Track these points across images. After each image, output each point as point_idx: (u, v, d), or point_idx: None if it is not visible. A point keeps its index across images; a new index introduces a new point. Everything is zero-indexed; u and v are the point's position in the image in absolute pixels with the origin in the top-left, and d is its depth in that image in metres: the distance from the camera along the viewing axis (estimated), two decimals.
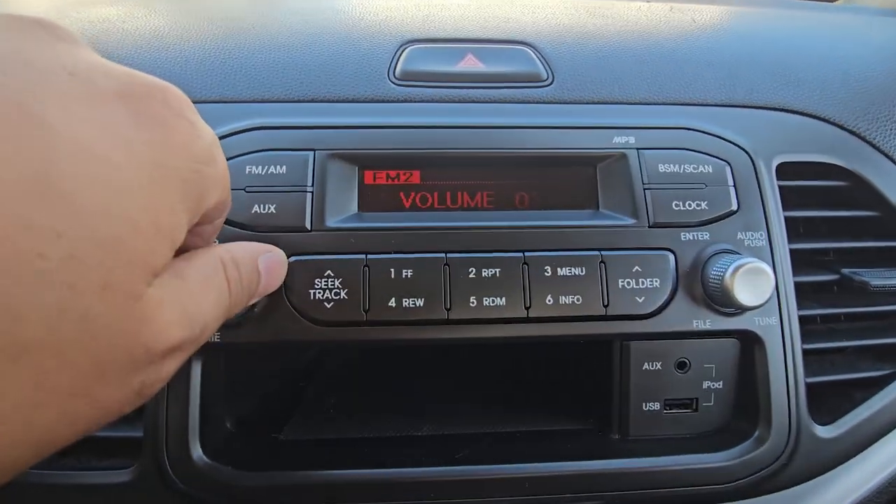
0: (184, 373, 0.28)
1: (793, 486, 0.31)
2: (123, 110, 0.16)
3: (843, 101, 0.37)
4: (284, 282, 0.28)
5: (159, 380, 0.16)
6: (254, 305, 0.28)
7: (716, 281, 0.29)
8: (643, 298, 0.30)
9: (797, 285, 0.32)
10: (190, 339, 0.17)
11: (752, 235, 0.31)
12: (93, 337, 0.13)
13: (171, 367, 0.16)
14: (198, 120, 0.18)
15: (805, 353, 0.32)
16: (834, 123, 0.36)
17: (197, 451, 0.28)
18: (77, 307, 0.13)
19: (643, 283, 0.30)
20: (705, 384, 0.31)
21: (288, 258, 0.29)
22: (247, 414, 0.33)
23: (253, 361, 0.34)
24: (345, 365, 0.42)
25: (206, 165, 0.18)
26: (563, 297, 0.29)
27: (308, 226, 0.29)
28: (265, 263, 0.23)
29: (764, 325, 0.30)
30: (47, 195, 0.13)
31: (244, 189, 0.30)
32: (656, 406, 0.31)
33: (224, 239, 0.26)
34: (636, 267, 0.30)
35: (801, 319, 0.32)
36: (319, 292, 0.28)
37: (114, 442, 0.29)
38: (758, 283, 0.28)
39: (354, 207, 0.31)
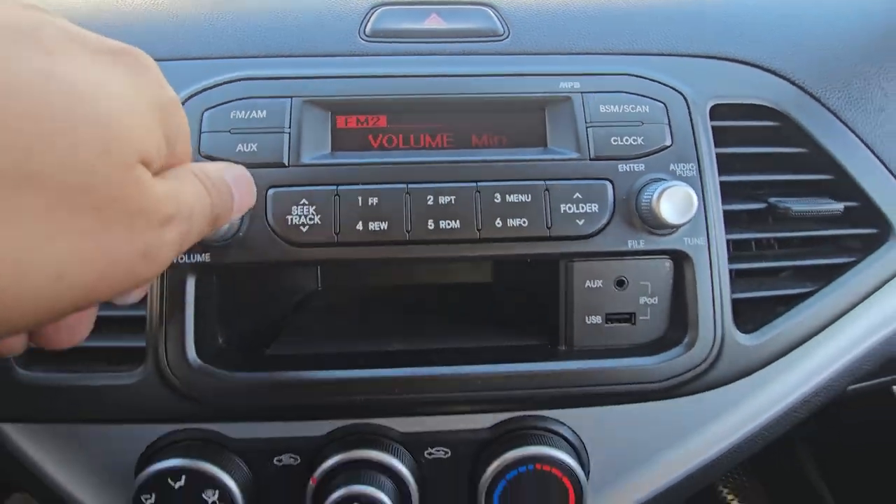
0: (179, 288, 0.32)
1: (718, 386, 0.35)
2: (108, 58, 0.19)
3: (777, 48, 0.40)
4: (265, 208, 0.32)
5: (163, 246, 0.20)
6: (238, 230, 0.32)
7: (646, 203, 0.33)
8: (583, 221, 0.34)
9: (730, 213, 0.36)
10: (181, 216, 0.21)
11: (684, 167, 0.35)
12: (94, 188, 0.17)
13: (169, 236, 0.20)
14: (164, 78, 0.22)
15: (734, 272, 0.35)
16: (766, 69, 0.39)
17: (193, 356, 0.32)
18: (78, 162, 0.17)
19: (583, 207, 0.34)
20: (642, 300, 0.35)
21: (267, 190, 0.33)
22: (237, 334, 0.37)
23: (243, 287, 0.38)
24: (326, 299, 0.47)
25: (177, 108, 0.22)
26: (511, 220, 0.33)
27: (286, 161, 0.33)
28: (231, 174, 0.27)
29: (693, 244, 0.34)
30: (50, 86, 0.16)
31: (229, 131, 0.34)
32: (598, 319, 0.35)
33: None
34: (577, 194, 0.34)
35: (733, 243, 0.36)
36: (296, 218, 0.33)
37: (119, 351, 0.33)
38: (681, 202, 0.32)
39: (328, 148, 0.35)
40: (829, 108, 0.39)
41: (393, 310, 0.44)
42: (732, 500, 1.32)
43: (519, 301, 0.44)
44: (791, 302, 0.36)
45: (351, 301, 0.47)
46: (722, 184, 0.36)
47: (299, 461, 0.35)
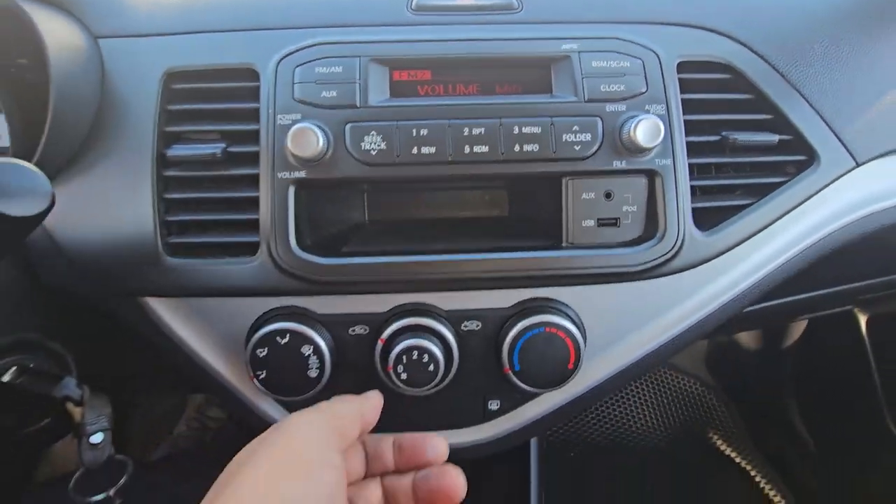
0: (283, 196, 0.44)
1: (681, 271, 0.47)
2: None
3: (732, 18, 0.51)
4: (344, 138, 0.44)
5: None
6: (325, 153, 0.43)
7: (626, 132, 0.44)
8: (580, 147, 0.45)
9: (692, 143, 0.47)
10: None
11: (656, 107, 0.46)
12: None
13: None
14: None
15: (695, 188, 0.47)
16: (722, 34, 0.50)
17: (293, 244, 0.44)
18: None
19: (580, 137, 0.45)
20: (624, 207, 0.47)
21: (346, 125, 0.44)
22: (320, 238, 0.49)
23: (322, 204, 0.49)
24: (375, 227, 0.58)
25: None
26: (526, 146, 0.45)
27: (358, 104, 0.45)
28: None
29: (662, 164, 0.46)
30: None
31: (314, 82, 0.45)
32: (591, 223, 0.47)
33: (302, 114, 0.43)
34: (575, 126, 0.45)
35: (697, 168, 0.47)
36: (367, 145, 0.44)
37: (242, 244, 0.45)
38: (651, 129, 0.43)
39: (387, 94, 0.46)
40: (771, 65, 0.50)
41: (432, 228, 0.56)
42: (721, 444, 1.45)
43: (529, 225, 0.56)
44: (738, 211, 0.48)
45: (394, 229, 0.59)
46: (685, 121, 0.47)
47: (368, 331, 0.47)
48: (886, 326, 1.09)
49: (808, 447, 1.28)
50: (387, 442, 0.40)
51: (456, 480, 0.37)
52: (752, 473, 1.40)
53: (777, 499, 1.35)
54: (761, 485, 1.37)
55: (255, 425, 0.50)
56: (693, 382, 1.57)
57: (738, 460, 1.42)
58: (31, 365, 0.44)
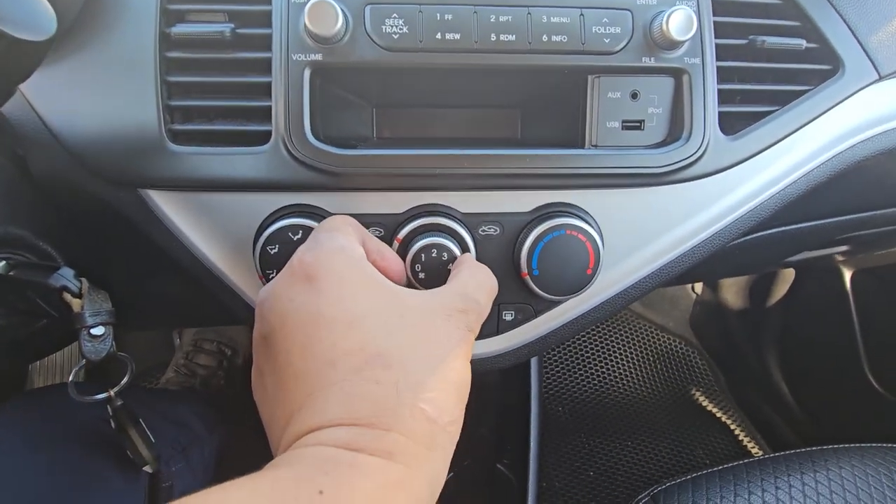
0: (298, 80, 0.41)
1: (706, 176, 0.46)
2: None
3: None
4: (364, 20, 0.41)
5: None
6: (343, 35, 0.41)
7: (657, 24, 0.43)
8: (609, 40, 0.43)
9: (720, 46, 0.46)
10: None
11: (687, 2, 0.45)
12: None
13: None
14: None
15: (721, 91, 0.46)
16: None
17: (309, 134, 0.42)
18: None
19: (609, 29, 0.43)
20: (650, 109, 0.46)
21: (365, 6, 0.42)
22: (334, 134, 0.46)
23: (338, 93, 0.47)
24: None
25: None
26: (554, 37, 0.43)
27: None
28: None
29: (690, 63, 0.44)
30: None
31: None
32: (616, 125, 0.46)
33: None
34: (605, 18, 0.43)
35: (720, 70, 0.46)
36: (388, 28, 0.42)
37: (252, 133, 0.43)
38: (684, 21, 0.42)
39: None
40: None
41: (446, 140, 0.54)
42: (703, 400, 1.49)
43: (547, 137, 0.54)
44: (763, 118, 0.47)
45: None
46: (715, 23, 0.46)
47: (383, 233, 0.46)
48: (869, 280, 1.12)
49: (788, 404, 1.33)
50: None
51: None
52: (732, 427, 1.45)
53: (755, 449, 1.40)
54: (740, 437, 1.42)
55: None
56: (678, 342, 1.60)
57: (718, 415, 1.46)
58: (25, 257, 0.42)
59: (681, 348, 1.57)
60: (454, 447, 0.29)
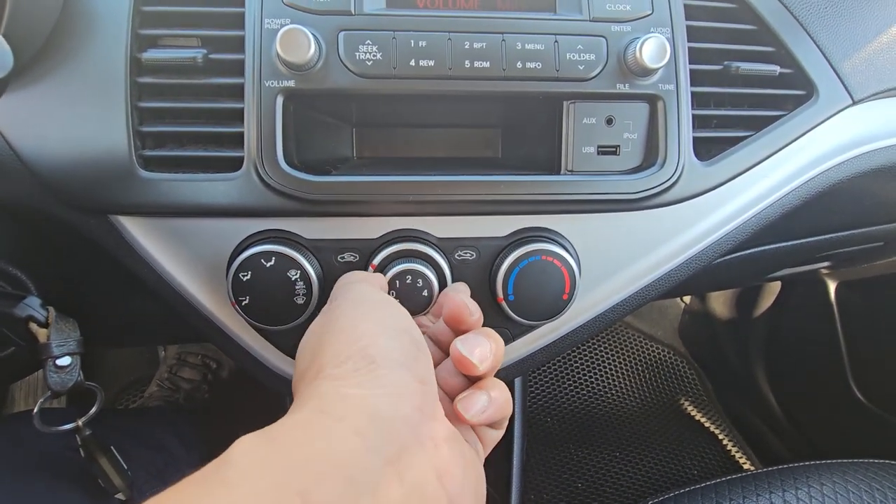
0: (270, 107, 0.41)
1: (680, 201, 0.46)
2: None
3: None
4: (337, 46, 0.41)
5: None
6: (316, 62, 0.41)
7: (632, 52, 0.43)
8: (583, 67, 0.43)
9: (694, 72, 0.46)
10: None
11: (661, 30, 0.45)
12: None
13: None
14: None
15: (696, 117, 0.46)
16: None
17: (281, 160, 0.41)
18: None
19: (584, 56, 0.43)
20: (625, 135, 0.46)
21: (339, 32, 0.41)
22: (309, 160, 0.46)
23: (311, 120, 0.47)
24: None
25: None
26: (529, 63, 0.43)
27: (352, 10, 0.42)
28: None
29: (664, 89, 0.44)
30: None
31: None
32: (591, 150, 0.46)
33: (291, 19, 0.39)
34: (579, 45, 0.43)
35: (695, 96, 0.46)
36: (362, 54, 0.42)
37: (224, 159, 0.42)
38: (657, 49, 0.42)
39: (384, 3, 0.43)
40: None
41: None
42: (691, 409, 1.49)
43: (524, 162, 0.54)
44: (738, 142, 0.47)
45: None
46: (690, 49, 0.46)
47: (358, 258, 0.45)
48: (854, 293, 1.13)
49: (774, 414, 1.33)
50: None
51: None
52: (720, 437, 1.45)
53: (743, 460, 1.40)
54: (728, 447, 1.43)
55: (234, 354, 0.48)
56: (667, 352, 1.60)
57: (707, 424, 1.46)
58: None
59: (669, 357, 1.57)
60: None
